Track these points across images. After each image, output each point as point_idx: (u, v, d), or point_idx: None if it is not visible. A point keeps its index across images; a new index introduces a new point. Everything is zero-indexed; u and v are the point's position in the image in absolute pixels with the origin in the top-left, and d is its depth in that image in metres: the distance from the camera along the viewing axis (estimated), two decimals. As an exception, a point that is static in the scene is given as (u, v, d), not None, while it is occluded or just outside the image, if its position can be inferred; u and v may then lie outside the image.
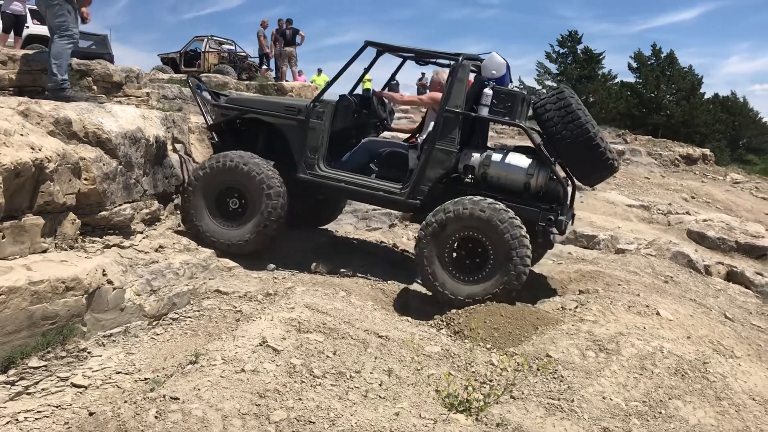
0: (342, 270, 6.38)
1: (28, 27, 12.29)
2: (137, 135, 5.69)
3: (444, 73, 6.34)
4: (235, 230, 6.11)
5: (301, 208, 7.04)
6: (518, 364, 4.39)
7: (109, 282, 4.56)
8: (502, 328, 4.94)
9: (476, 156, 5.93)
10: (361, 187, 6.16)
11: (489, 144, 6.45)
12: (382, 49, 6.21)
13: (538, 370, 4.39)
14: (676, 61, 40.54)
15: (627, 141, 22.97)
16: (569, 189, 6.14)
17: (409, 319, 5.22)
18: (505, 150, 6.10)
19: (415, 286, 6.10)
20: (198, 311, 5.22)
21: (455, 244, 5.59)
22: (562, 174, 6.03)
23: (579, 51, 42.48)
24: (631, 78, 41.47)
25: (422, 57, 6.38)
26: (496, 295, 5.39)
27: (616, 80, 42.12)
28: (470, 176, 5.94)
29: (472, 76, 6.03)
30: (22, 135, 4.43)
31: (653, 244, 8.87)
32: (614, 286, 6.35)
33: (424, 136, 6.24)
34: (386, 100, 6.86)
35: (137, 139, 5.68)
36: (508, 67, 6.01)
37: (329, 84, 6.71)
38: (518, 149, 6.15)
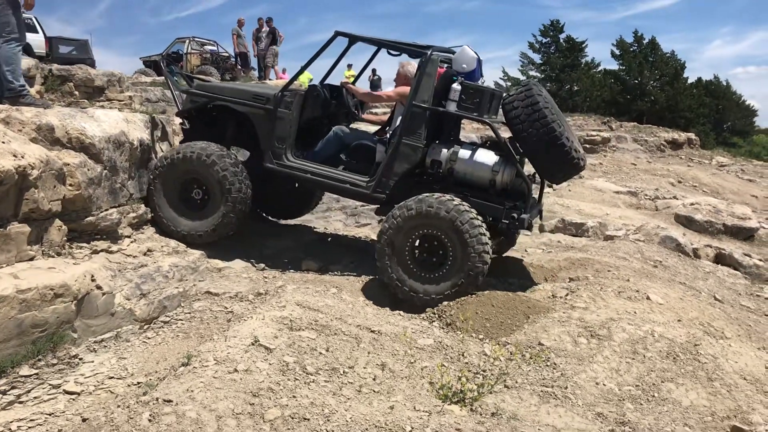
0: (332, 267, 6.37)
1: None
2: (121, 139, 5.66)
3: (410, 66, 6.32)
4: (196, 221, 6.10)
5: (275, 198, 7.00)
6: (511, 354, 4.41)
7: (98, 287, 4.53)
8: (493, 318, 4.96)
9: (444, 151, 5.90)
10: (327, 178, 6.13)
11: (463, 138, 6.43)
12: (352, 39, 6.16)
13: (530, 358, 4.41)
14: (658, 47, 40.71)
15: (612, 128, 23.09)
16: (537, 186, 6.15)
17: (401, 313, 5.22)
18: (473, 146, 6.06)
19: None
20: (189, 313, 5.20)
21: (416, 242, 5.57)
22: (528, 171, 6.01)
23: (561, 40, 42.51)
24: (614, 65, 41.62)
25: (391, 48, 6.28)
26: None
27: (600, 68, 42.21)
28: (438, 171, 5.92)
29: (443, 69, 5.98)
30: (3, 143, 4.38)
31: (641, 229, 8.91)
32: (604, 272, 6.38)
33: (393, 130, 6.23)
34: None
35: (121, 143, 5.65)
36: (479, 62, 5.97)
37: (297, 74, 6.69)
38: (487, 145, 6.12)
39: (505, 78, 43.47)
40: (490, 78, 67.56)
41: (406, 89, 6.03)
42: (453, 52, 6.03)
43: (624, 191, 14.02)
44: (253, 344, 3.80)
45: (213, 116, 6.63)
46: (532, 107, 5.57)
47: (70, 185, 4.96)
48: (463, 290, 5.35)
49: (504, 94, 6.10)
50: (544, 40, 43.04)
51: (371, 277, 6.00)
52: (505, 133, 6.03)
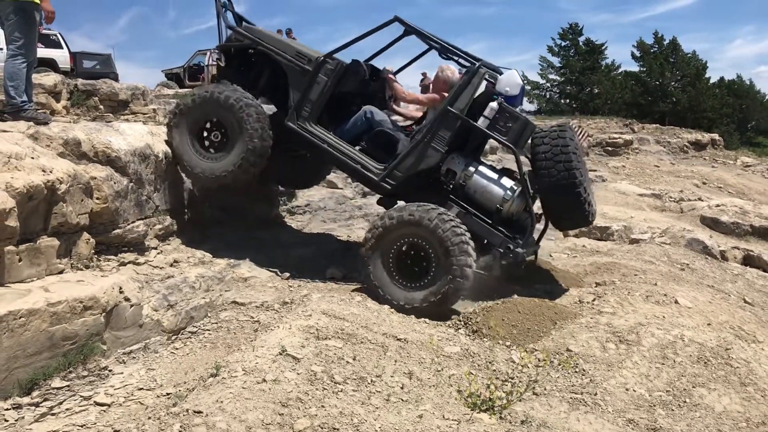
0: (356, 275, 6.36)
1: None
2: (146, 152, 5.72)
3: (449, 72, 6.26)
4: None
5: (285, 164, 7.03)
6: (539, 360, 4.37)
7: (127, 299, 4.57)
8: (520, 325, 4.93)
9: (462, 164, 5.89)
10: (341, 154, 6.10)
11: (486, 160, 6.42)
12: (409, 29, 6.08)
13: (559, 365, 4.38)
14: (679, 48, 40.44)
15: (635, 130, 22.92)
16: (540, 225, 6.19)
17: (427, 320, 5.20)
18: (492, 168, 6.04)
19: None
20: (216, 323, 5.23)
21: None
22: (537, 208, 5.99)
23: (581, 43, 42.33)
24: (634, 67, 41.45)
25: (445, 51, 6.23)
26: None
27: (620, 70, 41.98)
28: (450, 181, 5.91)
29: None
30: (32, 158, 4.45)
31: (667, 232, 8.83)
32: (631, 276, 6.33)
33: (420, 128, 6.21)
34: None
35: (147, 156, 5.71)
36: (522, 89, 5.94)
37: (344, 46, 6.41)
38: (506, 171, 6.09)
39: (525, 81, 43.22)
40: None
41: (438, 98, 6.02)
42: (501, 72, 6.00)
43: (648, 194, 13.90)
44: (280, 354, 3.81)
45: (251, 61, 6.58)
46: (561, 148, 5.54)
47: (97, 198, 5.02)
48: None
49: (537, 128, 6.03)
50: (563, 44, 42.88)
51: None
52: (526, 167, 5.97)
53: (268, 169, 6.41)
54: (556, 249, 8.32)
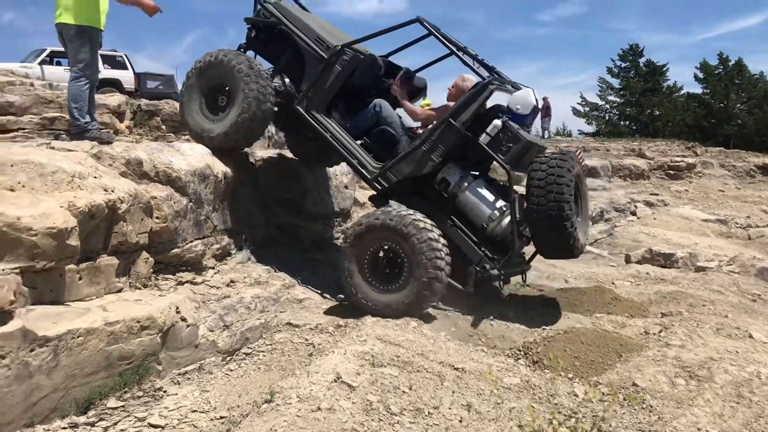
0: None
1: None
2: (206, 172, 5.75)
3: (468, 83, 6.23)
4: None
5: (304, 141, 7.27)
6: (603, 395, 4.18)
7: (183, 319, 4.57)
8: (583, 356, 4.73)
9: (457, 175, 5.89)
10: (341, 146, 6.16)
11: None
12: (429, 32, 6.05)
13: (625, 400, 4.17)
14: (745, 69, 39.34)
15: (697, 153, 22.26)
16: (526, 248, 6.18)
17: (485, 349, 5.05)
18: (487, 185, 5.97)
19: (488, 314, 5.93)
20: (270, 345, 5.18)
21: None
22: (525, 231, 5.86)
23: (641, 64, 41.61)
24: (697, 89, 40.39)
25: (461, 59, 6.06)
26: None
27: (682, 92, 41.02)
28: (444, 190, 5.93)
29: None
30: (95, 177, 4.51)
31: (735, 260, 8.47)
32: (699, 307, 6.05)
33: (422, 132, 6.17)
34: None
35: (206, 176, 5.74)
36: (535, 110, 5.87)
37: (364, 39, 6.42)
38: (504, 191, 5.94)
39: (583, 103, 42.75)
40: (567, 103, 66.45)
41: (443, 113, 5.99)
42: (518, 88, 5.96)
43: (713, 219, 13.46)
44: (335, 381, 3.72)
45: (277, 37, 6.64)
46: (556, 177, 5.39)
47: (157, 218, 5.05)
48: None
49: (540, 152, 5.95)
50: (623, 65, 42.28)
51: (452, 309, 5.86)
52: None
53: (295, 145, 6.80)
54: (618, 276, 8.06)
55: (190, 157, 5.68)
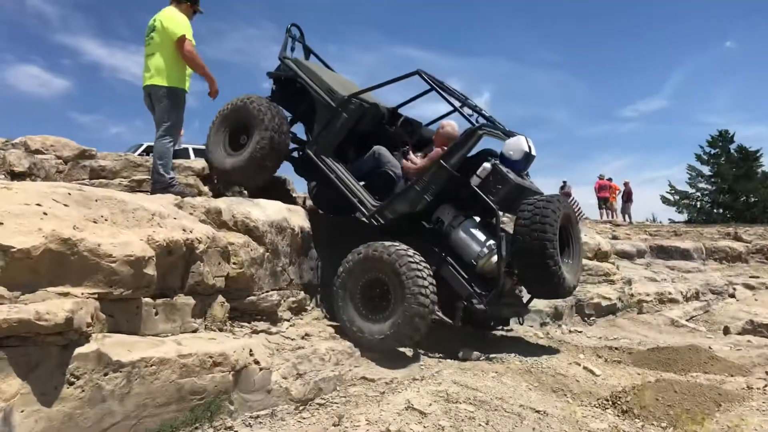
0: (492, 356, 6.01)
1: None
2: (283, 224, 5.82)
3: (450, 128, 6.62)
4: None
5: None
6: (703, 442, 3.81)
7: (256, 362, 4.50)
8: (677, 405, 4.36)
9: (451, 214, 6.26)
10: (345, 187, 6.52)
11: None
12: (431, 87, 6.53)
13: (728, 448, 3.79)
14: (844, 152, 37.58)
15: (800, 237, 21.01)
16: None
17: (569, 399, 4.74)
18: (479, 224, 6.21)
19: (577, 367, 5.61)
20: (344, 397, 5.01)
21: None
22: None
23: (732, 150, 40.41)
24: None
25: (460, 113, 6.44)
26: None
27: (780, 178, 39.44)
28: (438, 228, 6.29)
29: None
30: (175, 218, 4.63)
31: None
32: (808, 366, 5.54)
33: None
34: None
35: (283, 228, 5.81)
36: (527, 157, 6.15)
37: (368, 90, 6.92)
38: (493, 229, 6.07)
39: (672, 191, 41.69)
40: (656, 194, 64.89)
41: (438, 154, 6.26)
42: (512, 135, 6.29)
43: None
44: (406, 409, 3.56)
45: (296, 89, 7.07)
46: (540, 217, 5.59)
47: (234, 263, 5.10)
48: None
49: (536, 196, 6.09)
50: (713, 151, 41.14)
51: (535, 360, 5.59)
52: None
53: (317, 194, 7.67)
54: (716, 343, 7.54)
55: (268, 209, 5.78)
